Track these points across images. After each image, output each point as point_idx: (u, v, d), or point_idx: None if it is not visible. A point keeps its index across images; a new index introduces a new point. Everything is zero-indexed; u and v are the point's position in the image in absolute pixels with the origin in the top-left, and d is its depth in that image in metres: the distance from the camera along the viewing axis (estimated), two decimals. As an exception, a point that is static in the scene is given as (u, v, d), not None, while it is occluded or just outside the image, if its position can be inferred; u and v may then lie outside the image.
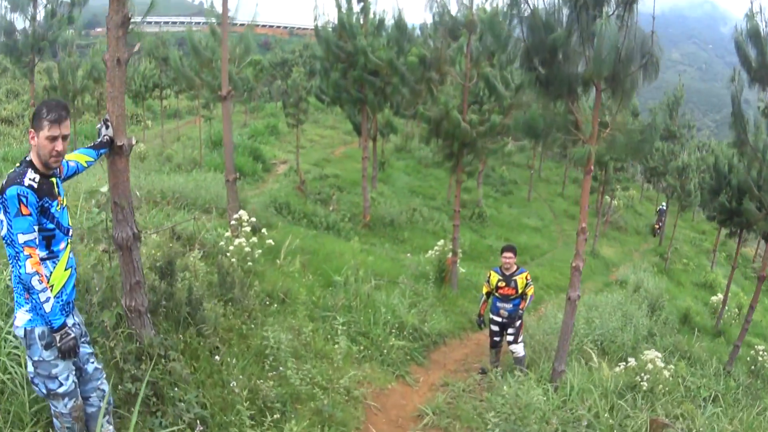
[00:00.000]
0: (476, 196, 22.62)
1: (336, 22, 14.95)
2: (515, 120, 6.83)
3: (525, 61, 5.87)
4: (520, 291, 6.73)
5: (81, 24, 15.32)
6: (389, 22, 15.49)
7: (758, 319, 16.88)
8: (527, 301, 6.74)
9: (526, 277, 6.78)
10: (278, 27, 73.15)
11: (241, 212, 7.21)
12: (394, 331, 7.10)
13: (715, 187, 13.34)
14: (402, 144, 29.17)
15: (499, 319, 6.87)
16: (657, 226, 29.94)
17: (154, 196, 9.92)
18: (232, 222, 7.12)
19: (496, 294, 6.87)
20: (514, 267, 6.84)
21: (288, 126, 21.29)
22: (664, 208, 30.63)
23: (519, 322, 6.68)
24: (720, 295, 15.06)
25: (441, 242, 11.08)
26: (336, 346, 5.85)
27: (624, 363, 6.21)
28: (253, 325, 5.34)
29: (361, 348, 6.46)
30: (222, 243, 6.43)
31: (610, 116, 5.88)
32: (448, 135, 10.01)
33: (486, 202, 23.12)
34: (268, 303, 6.00)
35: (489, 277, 6.97)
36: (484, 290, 7.07)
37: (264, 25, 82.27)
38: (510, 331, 6.74)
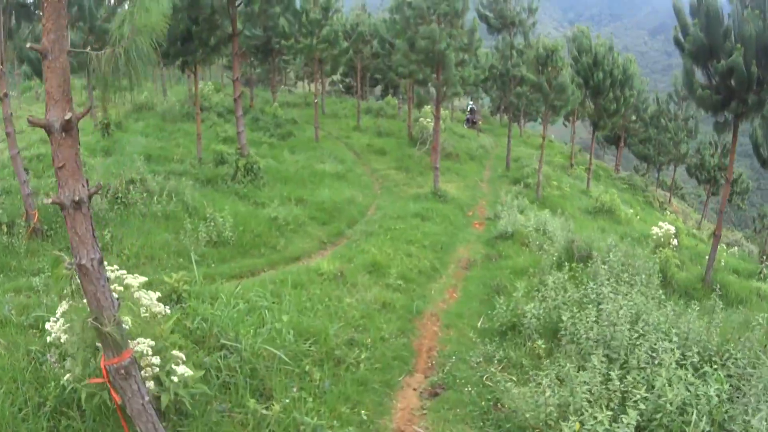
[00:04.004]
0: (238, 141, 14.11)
1: None
2: None
3: None
4: None
5: None
6: None
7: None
8: None
9: None
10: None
11: None
12: None
13: (708, 42, 7.44)
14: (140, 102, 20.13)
15: None
16: (474, 121, 28.91)
17: None
18: None
19: None
20: None
21: None
22: (473, 105, 29.30)
23: None
24: (666, 225, 9.69)
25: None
26: None
27: None
28: None
29: None
30: None
31: None
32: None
33: (258, 150, 15.34)
34: None
35: None
36: None
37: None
38: None
